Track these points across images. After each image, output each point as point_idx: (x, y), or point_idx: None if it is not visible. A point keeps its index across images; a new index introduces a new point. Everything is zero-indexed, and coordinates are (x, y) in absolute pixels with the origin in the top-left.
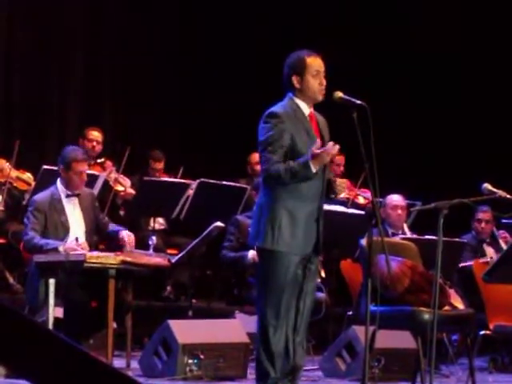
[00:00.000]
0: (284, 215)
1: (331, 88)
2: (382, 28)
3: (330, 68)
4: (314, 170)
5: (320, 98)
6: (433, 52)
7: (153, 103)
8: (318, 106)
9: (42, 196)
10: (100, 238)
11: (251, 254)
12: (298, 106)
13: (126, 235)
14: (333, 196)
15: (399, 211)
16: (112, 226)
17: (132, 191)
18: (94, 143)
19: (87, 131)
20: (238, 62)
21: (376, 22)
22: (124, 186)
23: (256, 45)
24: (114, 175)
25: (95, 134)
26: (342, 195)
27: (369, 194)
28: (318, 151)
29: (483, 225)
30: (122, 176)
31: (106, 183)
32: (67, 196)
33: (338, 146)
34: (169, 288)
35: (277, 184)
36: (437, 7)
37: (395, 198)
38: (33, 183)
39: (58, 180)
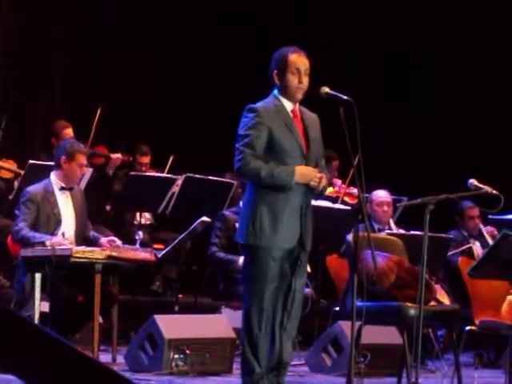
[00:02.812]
0: (265, 211)
1: (318, 85)
2: (370, 25)
3: (316, 65)
4: (293, 182)
5: (298, 96)
6: (425, 50)
7: (140, 98)
8: (306, 103)
9: (35, 187)
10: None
11: (242, 260)
12: (280, 103)
13: (107, 242)
14: (316, 193)
15: (385, 207)
16: (93, 232)
17: (119, 155)
18: (68, 139)
19: (61, 131)
20: (226, 59)
21: (366, 22)
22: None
23: (243, 43)
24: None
25: (69, 132)
26: (315, 185)
27: (355, 191)
28: (308, 168)
29: (476, 221)
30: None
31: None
32: (61, 189)
33: (323, 181)
34: (158, 283)
35: (252, 179)
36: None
37: (381, 194)
38: (16, 169)
39: (52, 173)
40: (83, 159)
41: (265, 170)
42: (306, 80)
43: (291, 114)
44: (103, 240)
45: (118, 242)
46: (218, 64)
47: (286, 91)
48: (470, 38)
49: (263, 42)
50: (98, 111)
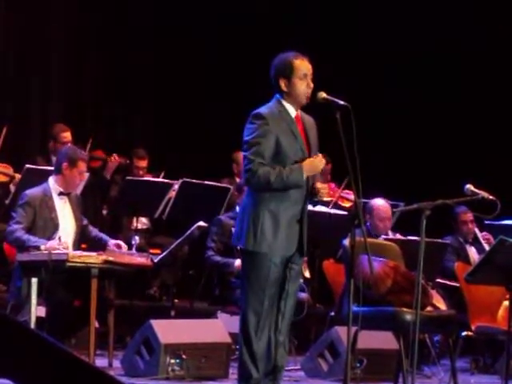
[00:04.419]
0: (267, 217)
1: (317, 86)
2: (370, 25)
3: (315, 65)
4: (305, 176)
5: (305, 101)
6: (413, 51)
7: (136, 102)
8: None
9: (34, 191)
10: (81, 239)
11: (238, 262)
12: (284, 108)
13: (116, 246)
14: (316, 200)
15: (387, 222)
16: (94, 231)
17: (115, 157)
18: (69, 145)
19: (59, 134)
20: (226, 59)
21: (366, 22)
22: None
23: (243, 43)
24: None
25: (67, 135)
26: (325, 198)
27: (350, 195)
28: (313, 159)
29: (470, 225)
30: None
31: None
32: (59, 194)
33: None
34: (155, 288)
35: (262, 187)
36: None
37: (383, 209)
38: (12, 173)
39: (51, 177)
40: (84, 167)
41: (274, 174)
42: (312, 84)
43: (294, 120)
44: (111, 243)
45: (124, 247)
46: (218, 64)
47: (293, 97)
48: (470, 38)
49: (263, 42)
50: (90, 142)
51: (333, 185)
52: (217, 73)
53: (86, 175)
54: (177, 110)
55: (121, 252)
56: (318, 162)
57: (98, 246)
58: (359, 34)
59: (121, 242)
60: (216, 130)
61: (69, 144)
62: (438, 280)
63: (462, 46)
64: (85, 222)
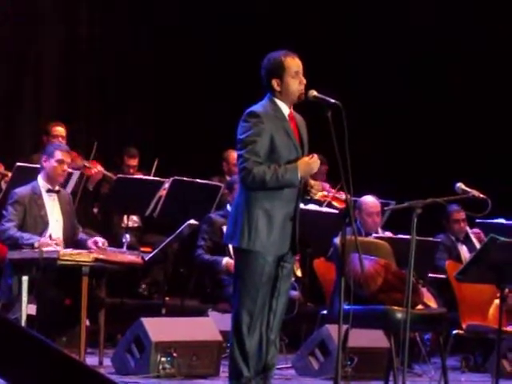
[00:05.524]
0: (261, 216)
1: (312, 86)
2: (369, 24)
3: (304, 66)
4: (299, 177)
5: (297, 99)
6: (413, 51)
7: (127, 100)
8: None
9: (23, 189)
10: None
11: (225, 260)
12: (278, 107)
13: (93, 243)
14: (308, 198)
15: (375, 217)
16: (81, 235)
17: (99, 169)
18: (60, 139)
19: (51, 127)
20: (226, 59)
21: (365, 21)
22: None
23: (243, 43)
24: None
25: (60, 130)
26: (317, 196)
27: (344, 196)
28: (308, 159)
29: (462, 224)
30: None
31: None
32: (48, 191)
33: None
34: (144, 285)
35: (257, 186)
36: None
37: (371, 205)
38: (3, 171)
39: (39, 175)
40: (62, 155)
41: (269, 174)
42: (304, 80)
43: (288, 118)
44: (89, 242)
45: (100, 242)
46: (218, 64)
47: (286, 95)
48: (470, 38)
49: (263, 42)
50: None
51: (327, 186)
52: (217, 73)
53: (76, 173)
54: (176, 109)
55: (111, 250)
56: (313, 162)
57: (83, 248)
58: (359, 34)
59: (98, 239)
60: (216, 130)
61: (60, 139)
62: (430, 275)
63: (462, 45)
64: (78, 226)
